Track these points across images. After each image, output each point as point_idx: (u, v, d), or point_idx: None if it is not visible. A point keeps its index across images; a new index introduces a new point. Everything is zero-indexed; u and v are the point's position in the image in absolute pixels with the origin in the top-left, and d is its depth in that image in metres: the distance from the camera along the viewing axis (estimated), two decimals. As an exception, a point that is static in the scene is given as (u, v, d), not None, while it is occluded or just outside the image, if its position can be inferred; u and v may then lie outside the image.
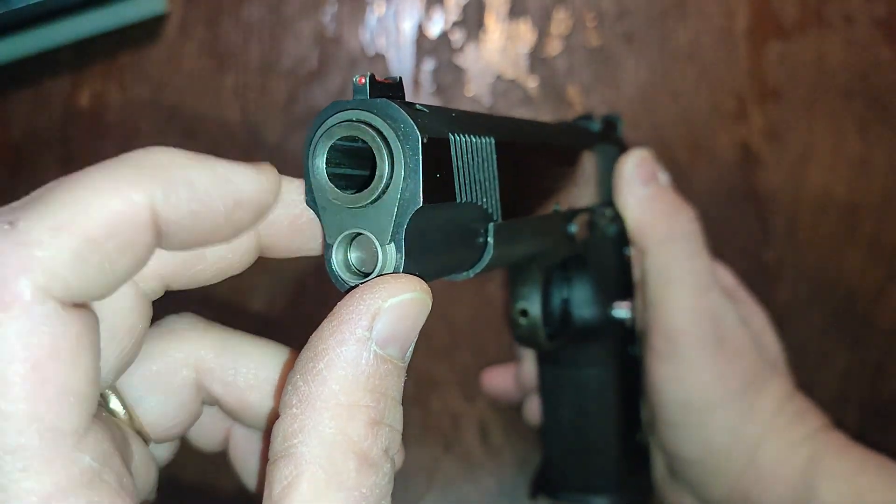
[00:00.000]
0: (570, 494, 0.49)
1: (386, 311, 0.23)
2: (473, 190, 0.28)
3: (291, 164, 0.61)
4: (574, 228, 0.38)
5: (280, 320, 0.61)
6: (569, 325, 0.43)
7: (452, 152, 0.26)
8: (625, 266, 0.47)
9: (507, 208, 0.30)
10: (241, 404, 0.29)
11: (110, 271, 0.21)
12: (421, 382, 0.61)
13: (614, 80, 0.63)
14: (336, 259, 0.25)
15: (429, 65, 0.62)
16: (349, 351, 0.23)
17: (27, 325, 0.19)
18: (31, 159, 0.62)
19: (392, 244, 0.24)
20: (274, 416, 0.24)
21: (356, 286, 0.24)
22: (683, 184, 0.62)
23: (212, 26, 0.62)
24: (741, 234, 0.63)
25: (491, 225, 0.29)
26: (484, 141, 0.28)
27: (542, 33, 0.63)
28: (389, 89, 0.25)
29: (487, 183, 0.29)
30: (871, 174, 0.63)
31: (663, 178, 0.46)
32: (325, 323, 0.24)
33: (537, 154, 0.34)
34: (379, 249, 0.24)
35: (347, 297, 0.24)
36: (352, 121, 0.24)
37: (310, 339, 0.24)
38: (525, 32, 0.63)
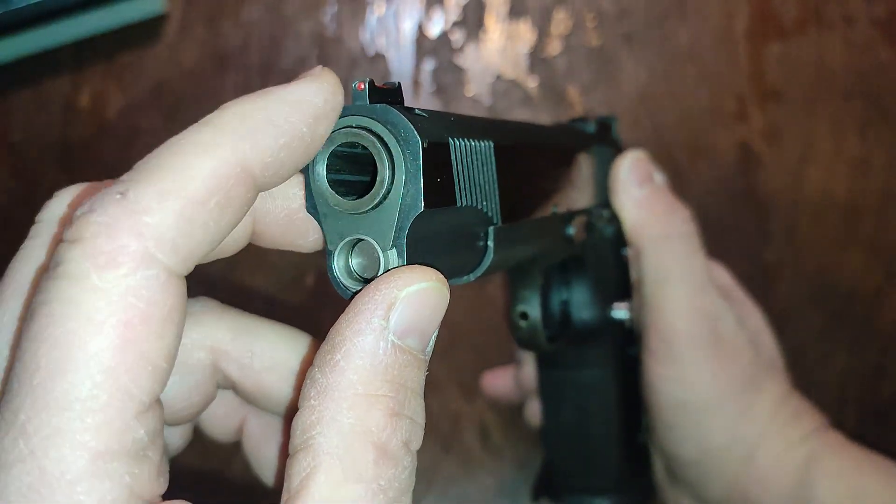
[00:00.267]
0: (572, 496, 0.49)
1: (402, 301, 0.23)
2: (473, 194, 0.28)
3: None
4: (572, 230, 0.38)
5: (280, 321, 0.61)
6: (568, 327, 0.43)
7: (452, 156, 0.26)
8: (623, 267, 0.47)
9: (506, 211, 0.30)
10: (257, 387, 0.29)
11: (214, 227, 0.22)
12: (421, 382, 0.61)
13: (614, 80, 0.63)
14: (338, 265, 0.25)
15: (429, 65, 0.62)
16: (366, 341, 0.23)
17: (131, 285, 0.20)
18: (31, 159, 0.62)
19: (394, 249, 0.24)
20: (293, 410, 0.24)
21: (358, 292, 0.24)
22: (683, 184, 0.62)
23: (212, 26, 0.62)
24: (741, 235, 0.63)
25: (491, 228, 0.29)
26: (483, 145, 0.28)
27: (542, 33, 0.63)
28: (389, 94, 0.25)
29: (487, 186, 0.29)
30: (870, 174, 0.63)
31: (659, 178, 0.46)
32: (342, 316, 0.24)
33: (535, 156, 0.35)
34: (381, 255, 0.24)
35: (364, 289, 0.24)
36: (352, 127, 0.24)
37: (328, 334, 0.24)
38: (525, 32, 0.63)
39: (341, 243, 0.25)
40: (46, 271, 0.21)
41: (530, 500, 0.52)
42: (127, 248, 0.20)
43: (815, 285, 0.63)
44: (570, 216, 0.38)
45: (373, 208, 0.24)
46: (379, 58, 0.62)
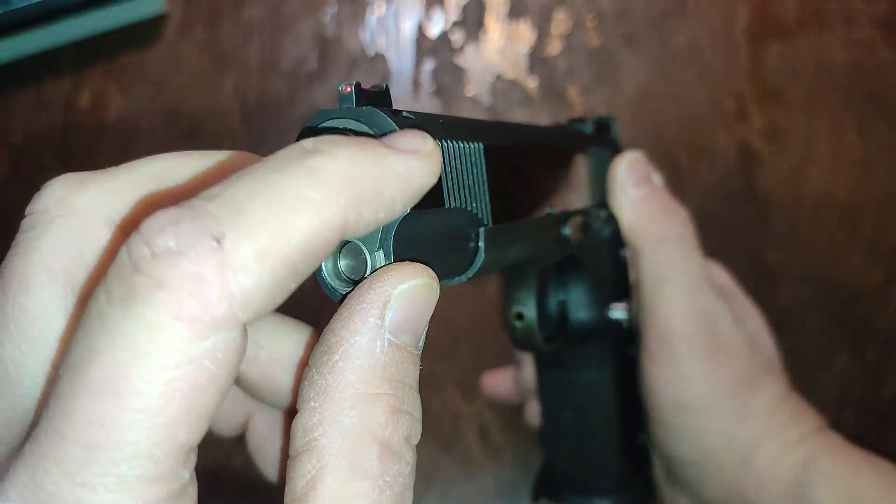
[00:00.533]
0: (572, 497, 0.49)
1: (396, 299, 0.23)
2: (462, 195, 0.28)
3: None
4: (568, 231, 0.38)
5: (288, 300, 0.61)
6: (566, 328, 0.43)
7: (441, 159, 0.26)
8: (621, 267, 0.47)
9: (498, 213, 0.30)
10: (263, 379, 0.29)
11: (292, 287, 0.21)
12: (421, 382, 0.61)
13: (614, 80, 0.63)
14: (326, 267, 0.25)
15: (429, 65, 0.62)
16: (363, 340, 0.23)
17: (208, 348, 0.19)
18: (31, 159, 0.62)
19: (381, 251, 0.24)
20: (292, 412, 0.24)
21: (347, 293, 0.24)
22: (683, 184, 0.62)
23: (212, 26, 0.62)
24: (741, 235, 0.63)
25: (482, 230, 0.29)
26: (472, 146, 0.28)
27: (542, 33, 0.63)
28: (376, 97, 0.25)
29: (477, 188, 0.29)
30: (871, 174, 0.63)
31: (657, 179, 0.46)
32: (335, 317, 0.23)
33: (529, 158, 0.34)
34: (368, 256, 0.24)
35: (356, 289, 0.24)
36: (338, 129, 0.24)
37: (322, 335, 0.23)
38: (525, 32, 0.63)
39: None
40: (107, 293, 0.19)
41: (530, 500, 0.52)
42: (216, 312, 0.19)
43: (816, 285, 0.63)
44: (565, 217, 0.38)
45: None
46: (379, 58, 0.62)
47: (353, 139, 0.22)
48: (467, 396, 0.62)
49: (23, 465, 0.19)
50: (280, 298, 0.20)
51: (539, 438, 0.52)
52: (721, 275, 0.51)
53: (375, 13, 0.62)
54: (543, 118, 0.63)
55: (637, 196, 0.44)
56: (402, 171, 0.22)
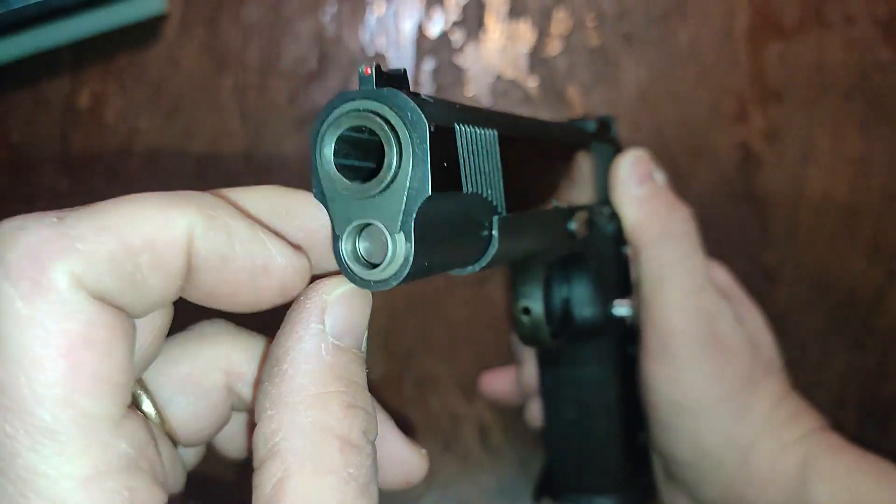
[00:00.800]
0: (573, 496, 0.49)
1: (333, 304, 0.24)
2: (479, 181, 0.28)
3: (291, 165, 0.61)
4: (574, 225, 0.38)
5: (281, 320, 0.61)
6: (570, 324, 0.43)
7: (458, 142, 0.26)
8: (624, 264, 0.47)
9: (510, 201, 0.30)
10: None
11: (141, 286, 0.22)
12: (421, 382, 0.61)
13: (614, 80, 0.63)
14: (345, 250, 0.25)
15: (429, 65, 0.62)
16: (308, 346, 0.24)
17: (63, 310, 0.20)
18: (30, 159, 0.62)
19: (402, 233, 0.24)
20: (251, 429, 0.24)
21: (370, 280, 0.25)
22: (683, 184, 0.62)
23: (212, 26, 0.62)
24: (741, 235, 0.63)
25: (496, 217, 0.29)
26: (487, 132, 0.28)
27: (542, 33, 0.63)
28: (395, 80, 0.25)
29: (492, 175, 0.29)
30: (871, 174, 0.63)
31: (660, 177, 0.46)
32: (278, 332, 0.24)
33: (538, 149, 0.35)
34: (389, 239, 0.24)
35: (294, 302, 0.25)
36: (359, 110, 0.24)
37: (269, 352, 0.24)
38: (525, 32, 0.63)
39: (349, 228, 0.25)
40: None
41: (532, 499, 0.52)
42: (54, 271, 0.20)
43: (816, 285, 0.63)
44: (571, 211, 0.38)
45: (380, 192, 0.24)
46: (379, 58, 0.62)
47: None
48: (467, 396, 0.62)
49: None
50: (125, 288, 0.21)
51: (540, 438, 0.52)
52: (722, 274, 0.51)
53: (375, 13, 0.62)
54: (543, 118, 0.63)
55: (640, 194, 0.44)
56: (260, 235, 0.24)
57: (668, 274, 0.44)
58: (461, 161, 0.26)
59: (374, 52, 0.62)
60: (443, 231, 0.26)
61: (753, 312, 0.50)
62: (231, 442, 0.32)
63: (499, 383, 0.57)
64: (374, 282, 0.25)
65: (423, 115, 0.24)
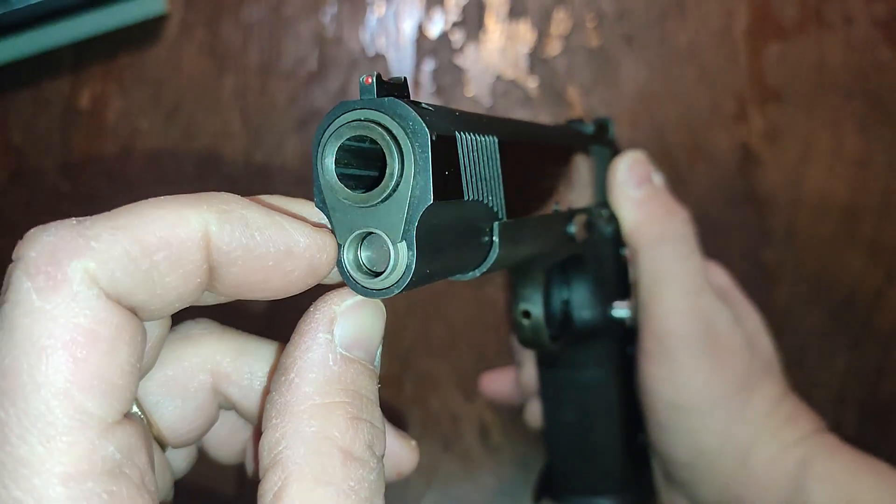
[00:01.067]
0: (573, 497, 0.49)
1: (342, 315, 0.24)
2: (479, 188, 0.28)
3: (291, 165, 0.61)
4: (574, 228, 0.38)
5: (281, 321, 0.61)
6: (570, 326, 0.43)
7: (459, 150, 0.26)
8: (622, 266, 0.47)
9: (511, 207, 0.30)
10: (258, 408, 0.29)
11: (159, 284, 0.22)
12: (421, 382, 0.61)
13: (614, 80, 0.63)
14: (347, 259, 0.25)
15: (429, 65, 0.62)
16: (315, 355, 0.24)
17: (74, 306, 0.20)
18: (31, 160, 0.62)
19: (403, 242, 0.24)
20: (257, 439, 0.24)
21: (372, 288, 0.25)
22: (683, 184, 0.62)
23: (212, 27, 0.62)
24: (741, 235, 0.63)
25: (496, 224, 0.29)
26: (488, 140, 0.29)
27: (542, 33, 0.63)
28: (396, 89, 0.25)
29: (492, 181, 0.29)
30: (870, 174, 0.63)
31: (657, 179, 0.46)
32: (289, 343, 0.24)
33: (537, 154, 0.35)
34: (391, 247, 0.24)
35: (304, 314, 0.25)
36: (360, 120, 0.24)
37: (279, 362, 0.24)
38: (525, 33, 0.63)
39: (351, 237, 0.25)
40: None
41: (532, 500, 0.52)
42: (68, 267, 0.20)
43: (815, 285, 0.63)
44: (571, 214, 0.38)
45: (382, 201, 0.24)
46: (379, 58, 0.62)
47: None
48: (467, 396, 0.62)
49: None
50: (143, 286, 0.22)
51: (540, 439, 0.52)
52: (720, 276, 0.51)
53: (375, 13, 0.62)
54: (543, 118, 0.63)
55: (637, 196, 0.44)
56: (278, 219, 0.24)
57: (666, 276, 0.44)
58: (462, 169, 0.27)
59: (374, 52, 0.62)
60: (444, 238, 0.26)
61: (751, 314, 0.50)
62: (222, 446, 0.32)
63: (499, 384, 0.57)
64: (377, 290, 0.25)
65: (424, 125, 0.24)
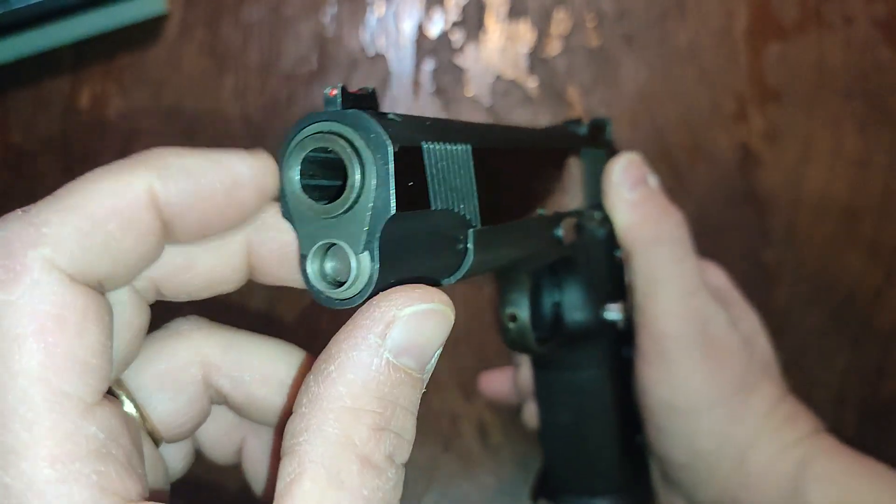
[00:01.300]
0: (571, 498, 0.49)
1: (401, 320, 0.23)
2: (449, 197, 0.28)
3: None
4: (561, 232, 0.38)
5: (281, 320, 0.61)
6: (560, 329, 0.43)
7: (426, 160, 0.26)
8: (616, 268, 0.46)
9: (487, 214, 0.30)
10: (248, 400, 0.29)
11: (118, 251, 0.23)
12: (421, 382, 0.61)
13: (614, 80, 0.63)
14: (311, 270, 0.25)
15: (429, 65, 0.62)
16: (360, 355, 0.23)
17: (37, 293, 0.21)
18: (31, 160, 0.62)
19: (366, 253, 0.24)
20: (285, 419, 0.24)
21: (334, 298, 0.25)
22: (682, 184, 0.62)
23: (212, 27, 0.62)
24: (741, 235, 0.63)
25: (471, 231, 0.29)
26: (460, 148, 0.28)
27: (542, 33, 0.63)
28: (362, 100, 0.25)
29: (465, 189, 0.29)
30: (870, 174, 0.63)
31: (653, 181, 0.46)
32: (343, 328, 0.24)
33: (519, 159, 0.34)
34: (353, 259, 0.24)
35: (366, 304, 0.24)
36: (323, 132, 0.24)
37: (329, 343, 0.24)
38: (525, 32, 0.63)
39: (314, 248, 0.25)
40: None
41: (529, 500, 0.52)
42: (25, 258, 0.21)
43: (815, 285, 0.63)
44: (558, 218, 0.38)
45: (344, 212, 0.24)
46: (379, 58, 0.62)
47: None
48: (467, 396, 0.62)
49: None
50: (103, 257, 0.22)
51: (538, 439, 0.52)
52: (718, 276, 0.51)
53: (375, 13, 0.62)
54: (543, 118, 0.63)
55: (632, 198, 0.44)
56: (215, 157, 0.25)
57: (661, 277, 0.44)
58: (429, 179, 0.26)
59: (374, 52, 0.62)
60: (411, 248, 0.26)
61: (749, 315, 0.50)
62: (216, 446, 0.32)
63: (497, 383, 0.57)
64: (340, 300, 0.25)
65: (385, 136, 0.24)
